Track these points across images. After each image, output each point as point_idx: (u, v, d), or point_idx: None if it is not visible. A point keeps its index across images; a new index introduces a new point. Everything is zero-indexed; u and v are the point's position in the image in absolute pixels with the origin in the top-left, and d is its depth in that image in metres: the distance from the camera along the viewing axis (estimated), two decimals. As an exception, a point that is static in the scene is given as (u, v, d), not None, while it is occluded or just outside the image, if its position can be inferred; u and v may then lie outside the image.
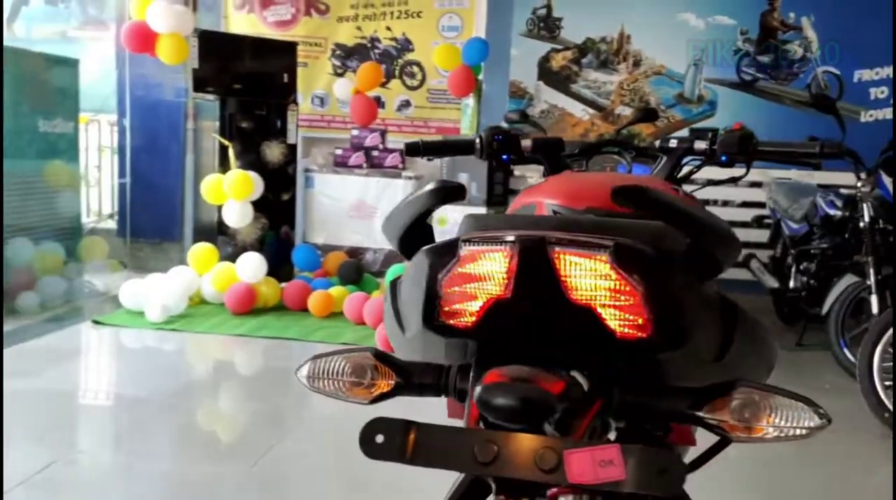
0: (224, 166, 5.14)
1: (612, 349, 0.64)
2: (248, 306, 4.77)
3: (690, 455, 1.21)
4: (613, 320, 0.64)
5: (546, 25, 5.86)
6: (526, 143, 1.55)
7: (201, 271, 4.89)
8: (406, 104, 6.13)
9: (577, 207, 1.16)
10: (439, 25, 6.00)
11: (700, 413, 0.67)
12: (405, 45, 6.07)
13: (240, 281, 4.79)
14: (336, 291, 4.85)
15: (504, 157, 1.52)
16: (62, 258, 5.18)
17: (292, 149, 5.49)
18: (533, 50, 5.87)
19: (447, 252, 0.70)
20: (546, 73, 5.90)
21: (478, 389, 0.60)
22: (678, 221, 0.66)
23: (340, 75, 6.09)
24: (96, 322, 4.44)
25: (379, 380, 0.69)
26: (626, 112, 5.79)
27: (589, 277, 0.64)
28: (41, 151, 5.17)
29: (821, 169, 1.51)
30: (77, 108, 5.55)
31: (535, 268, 0.63)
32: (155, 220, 6.10)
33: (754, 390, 0.66)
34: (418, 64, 6.07)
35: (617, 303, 0.64)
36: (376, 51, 6.11)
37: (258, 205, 5.09)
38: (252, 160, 5.23)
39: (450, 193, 0.75)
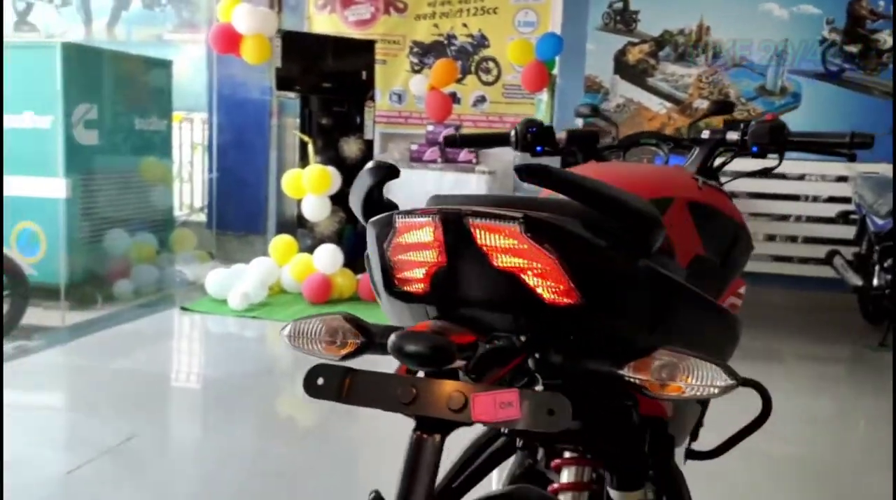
0: (304, 162, 5.34)
1: (542, 313, 0.71)
2: (325, 297, 4.95)
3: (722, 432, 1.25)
4: (539, 287, 0.70)
5: (622, 19, 5.81)
6: (561, 135, 1.60)
7: (281, 262, 5.11)
8: (482, 100, 6.21)
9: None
10: (515, 21, 6.05)
11: (622, 372, 0.73)
12: (481, 42, 6.14)
13: (317, 272, 4.99)
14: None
15: (538, 148, 1.58)
16: (155, 249, 5.52)
17: (369, 144, 5.65)
18: (609, 44, 5.84)
19: (387, 224, 0.79)
20: (622, 68, 5.86)
21: (392, 337, 0.68)
22: (584, 199, 0.72)
23: (417, 72, 6.22)
24: (184, 309, 4.71)
25: (349, 340, 0.78)
26: (705, 105, 5.69)
27: (506, 247, 0.71)
28: (137, 147, 5.50)
29: (854, 160, 1.50)
30: (170, 106, 5.88)
31: (457, 239, 0.71)
32: (241, 213, 6.40)
33: (673, 353, 0.71)
34: (494, 60, 6.13)
35: (537, 271, 0.70)
36: (452, 47, 6.21)
37: (336, 199, 5.27)
38: (331, 156, 5.41)
39: (387, 172, 0.83)
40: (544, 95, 5.86)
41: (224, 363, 3.86)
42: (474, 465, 1.12)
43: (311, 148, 5.29)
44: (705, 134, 1.56)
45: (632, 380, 0.71)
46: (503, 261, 0.69)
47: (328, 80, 5.50)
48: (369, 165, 0.84)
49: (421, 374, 0.69)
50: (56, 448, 2.74)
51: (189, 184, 6.86)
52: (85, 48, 5.33)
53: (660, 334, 0.76)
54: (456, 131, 1.69)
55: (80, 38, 7.04)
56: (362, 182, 0.86)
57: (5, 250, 4.23)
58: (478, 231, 0.70)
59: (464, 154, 5.80)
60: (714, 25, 5.67)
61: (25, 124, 4.84)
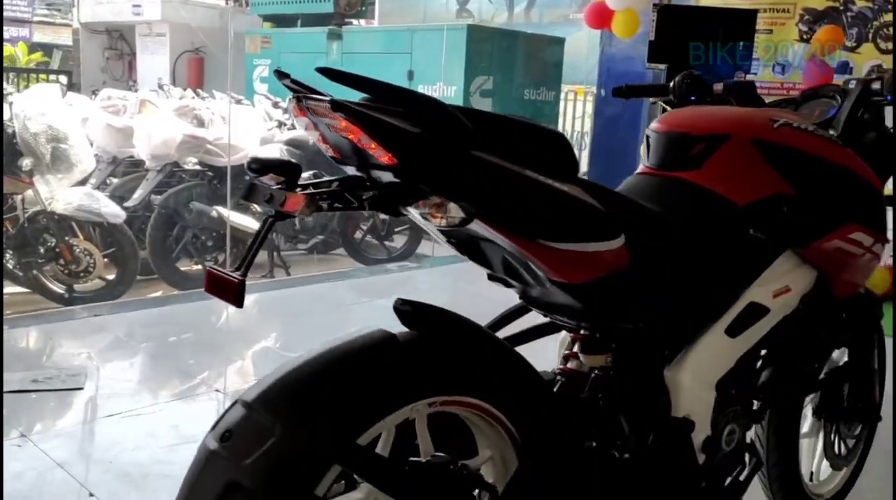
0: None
1: (380, 167, 1.01)
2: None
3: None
4: (369, 149, 1.00)
5: None
6: (718, 86, 1.77)
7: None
8: (878, 68, 5.68)
9: (662, 131, 1.47)
10: (928, -20, 5.39)
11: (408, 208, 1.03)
12: (883, 6, 5.60)
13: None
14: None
15: (692, 97, 1.78)
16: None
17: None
18: None
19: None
20: None
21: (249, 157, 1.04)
22: (368, 90, 0.96)
23: (806, 41, 5.93)
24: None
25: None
26: None
27: (334, 124, 1.01)
28: (526, 115, 6.33)
29: None
30: (559, 80, 6.58)
31: (315, 118, 1.00)
32: (615, 182, 6.85)
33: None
34: (896, 25, 5.55)
35: (359, 140, 1.00)
36: (849, 13, 5.77)
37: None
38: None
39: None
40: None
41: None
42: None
43: (672, 117, 5.51)
44: (851, 83, 1.62)
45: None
46: (341, 131, 1.02)
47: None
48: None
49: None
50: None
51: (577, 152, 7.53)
52: (487, 29, 6.29)
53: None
54: (625, 85, 1.94)
55: (503, 21, 8.16)
56: None
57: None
58: (313, 111, 1.03)
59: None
60: None
61: (437, 93, 5.97)
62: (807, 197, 1.48)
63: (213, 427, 0.96)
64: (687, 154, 1.41)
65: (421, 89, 6.09)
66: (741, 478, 1.54)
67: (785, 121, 1.46)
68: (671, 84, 1.82)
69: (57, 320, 3.64)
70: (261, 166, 0.93)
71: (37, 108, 3.91)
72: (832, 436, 1.93)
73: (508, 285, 1.30)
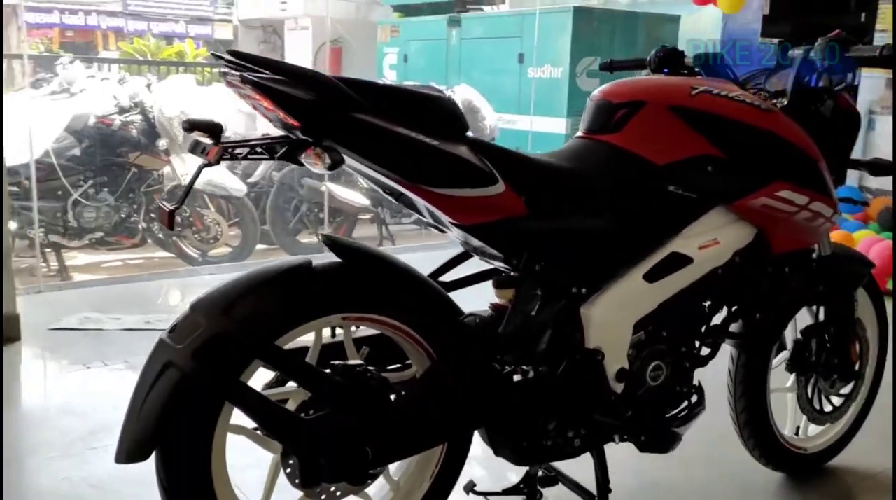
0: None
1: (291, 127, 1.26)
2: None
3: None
4: (275, 111, 1.24)
5: None
6: (687, 59, 1.91)
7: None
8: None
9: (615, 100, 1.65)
10: None
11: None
12: None
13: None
14: (859, 234, 4.78)
15: (665, 70, 1.93)
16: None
17: (855, 89, 5.40)
18: None
19: None
20: None
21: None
22: (258, 66, 1.19)
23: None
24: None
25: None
26: None
27: (244, 94, 1.22)
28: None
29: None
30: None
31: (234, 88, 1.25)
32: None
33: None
34: None
35: (265, 106, 1.24)
36: None
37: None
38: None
39: None
40: None
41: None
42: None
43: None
44: (792, 53, 1.74)
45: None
46: (256, 100, 1.28)
47: (816, 25, 5.43)
48: None
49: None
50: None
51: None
52: (592, 10, 6.34)
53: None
54: (611, 59, 2.10)
55: (627, 1, 8.13)
56: None
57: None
58: (233, 85, 1.30)
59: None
60: None
61: (545, 75, 6.15)
62: (733, 158, 1.62)
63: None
64: (610, 119, 1.60)
65: (530, 71, 6.30)
66: (682, 415, 1.71)
67: (704, 88, 1.60)
68: (647, 58, 1.98)
69: (186, 276, 4.25)
70: (189, 125, 1.25)
71: (172, 95, 4.51)
72: (809, 392, 2.02)
73: (441, 231, 1.56)
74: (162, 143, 4.52)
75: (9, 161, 3.91)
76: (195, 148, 1.28)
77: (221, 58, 1.28)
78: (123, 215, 4.70)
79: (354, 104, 1.25)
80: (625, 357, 1.58)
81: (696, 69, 1.89)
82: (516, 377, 1.51)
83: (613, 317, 1.56)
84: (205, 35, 17.56)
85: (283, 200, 5.17)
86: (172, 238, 4.89)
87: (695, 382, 1.73)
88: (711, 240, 1.64)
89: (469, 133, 1.40)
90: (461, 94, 5.67)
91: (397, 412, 1.37)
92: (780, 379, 2.03)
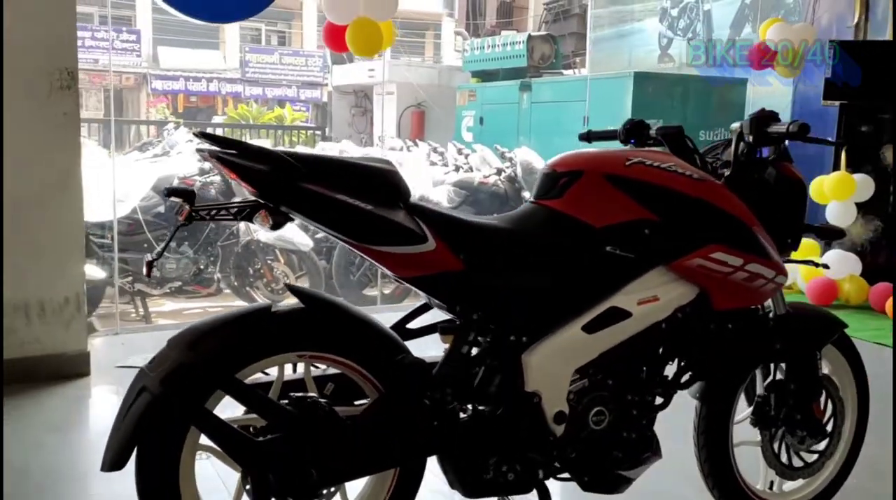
0: (836, 166, 5.43)
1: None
2: (829, 300, 5.04)
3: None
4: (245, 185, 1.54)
5: None
6: (652, 131, 2.07)
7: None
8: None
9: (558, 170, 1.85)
10: None
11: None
12: None
13: (823, 275, 5.10)
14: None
15: (632, 141, 2.09)
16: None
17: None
18: None
19: None
20: None
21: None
22: (213, 142, 1.46)
23: None
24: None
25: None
26: None
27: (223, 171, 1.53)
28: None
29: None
30: (741, 119, 6.56)
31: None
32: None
33: None
34: None
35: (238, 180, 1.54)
36: None
37: (872, 207, 5.21)
38: (873, 162, 5.35)
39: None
40: None
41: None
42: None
43: (843, 154, 5.35)
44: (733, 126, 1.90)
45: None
46: (223, 172, 1.54)
47: (878, 87, 5.39)
48: None
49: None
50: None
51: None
52: (652, 75, 6.51)
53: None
54: (589, 130, 2.30)
55: (701, 64, 8.21)
56: None
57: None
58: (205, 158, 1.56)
59: None
60: None
61: (607, 137, 6.31)
62: (667, 222, 1.78)
63: None
64: (554, 187, 1.79)
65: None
66: (629, 460, 1.84)
67: (639, 159, 1.78)
68: (618, 129, 2.16)
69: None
70: (167, 192, 1.54)
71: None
72: (776, 447, 2.09)
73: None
74: (236, 199, 4.95)
75: (98, 217, 4.43)
76: (174, 210, 1.56)
77: (199, 135, 1.57)
78: (201, 267, 5.15)
79: (301, 175, 1.50)
80: (563, 401, 1.73)
81: (659, 140, 2.06)
82: (461, 414, 1.69)
83: (552, 364, 1.72)
84: (314, 99, 18.71)
85: (348, 254, 5.51)
86: (245, 288, 5.30)
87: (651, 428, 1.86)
88: (651, 296, 1.78)
89: (413, 199, 1.64)
90: (521, 155, 5.92)
91: (343, 439, 1.58)
92: (751, 432, 2.11)
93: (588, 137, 2.27)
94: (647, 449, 1.86)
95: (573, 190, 1.76)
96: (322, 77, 17.99)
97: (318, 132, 11.56)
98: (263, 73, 19.45)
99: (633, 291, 1.78)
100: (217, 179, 5.05)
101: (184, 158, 5.25)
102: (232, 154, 1.48)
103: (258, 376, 1.61)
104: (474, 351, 1.72)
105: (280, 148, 1.55)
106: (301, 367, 1.65)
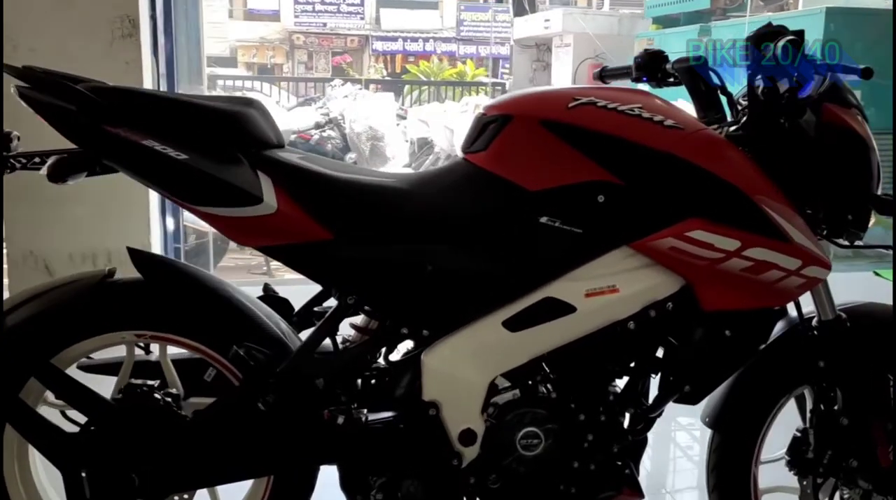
0: None
1: None
2: None
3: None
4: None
5: None
6: (668, 65, 1.52)
7: None
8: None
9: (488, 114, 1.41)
10: None
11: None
12: None
13: None
14: None
15: (644, 78, 1.56)
16: None
17: None
18: None
19: None
20: None
21: None
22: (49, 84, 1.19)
23: None
24: (876, 274, 4.57)
25: None
26: None
27: None
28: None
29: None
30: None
31: None
32: None
33: None
34: None
35: None
36: None
37: None
38: None
39: None
40: None
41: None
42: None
43: None
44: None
45: None
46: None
47: None
48: None
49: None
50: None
51: None
52: (849, 10, 5.41)
53: None
54: (604, 67, 1.72)
55: None
56: None
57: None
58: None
59: None
60: None
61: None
62: (632, 186, 1.28)
63: None
64: (479, 136, 1.35)
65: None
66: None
67: (589, 99, 1.28)
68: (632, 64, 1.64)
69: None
70: None
71: (363, 113, 4.79)
72: (817, 497, 1.51)
73: None
74: (351, 156, 4.81)
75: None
76: None
77: (19, 70, 1.31)
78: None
79: (104, 115, 1.21)
80: (475, 416, 1.32)
81: (678, 76, 1.53)
82: (339, 419, 1.34)
83: (456, 368, 1.32)
84: (503, 56, 18.50)
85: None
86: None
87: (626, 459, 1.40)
88: (606, 287, 1.31)
89: (279, 150, 1.29)
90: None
91: (177, 441, 1.30)
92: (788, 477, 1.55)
93: (601, 74, 1.76)
94: (610, 487, 1.40)
95: (500, 140, 1.31)
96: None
97: (499, 88, 11.21)
98: (477, 31, 19.51)
99: (579, 277, 1.31)
100: (335, 132, 4.92)
101: (307, 112, 5.15)
102: (27, 88, 1.22)
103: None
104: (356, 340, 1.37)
105: (101, 82, 1.25)
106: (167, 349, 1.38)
